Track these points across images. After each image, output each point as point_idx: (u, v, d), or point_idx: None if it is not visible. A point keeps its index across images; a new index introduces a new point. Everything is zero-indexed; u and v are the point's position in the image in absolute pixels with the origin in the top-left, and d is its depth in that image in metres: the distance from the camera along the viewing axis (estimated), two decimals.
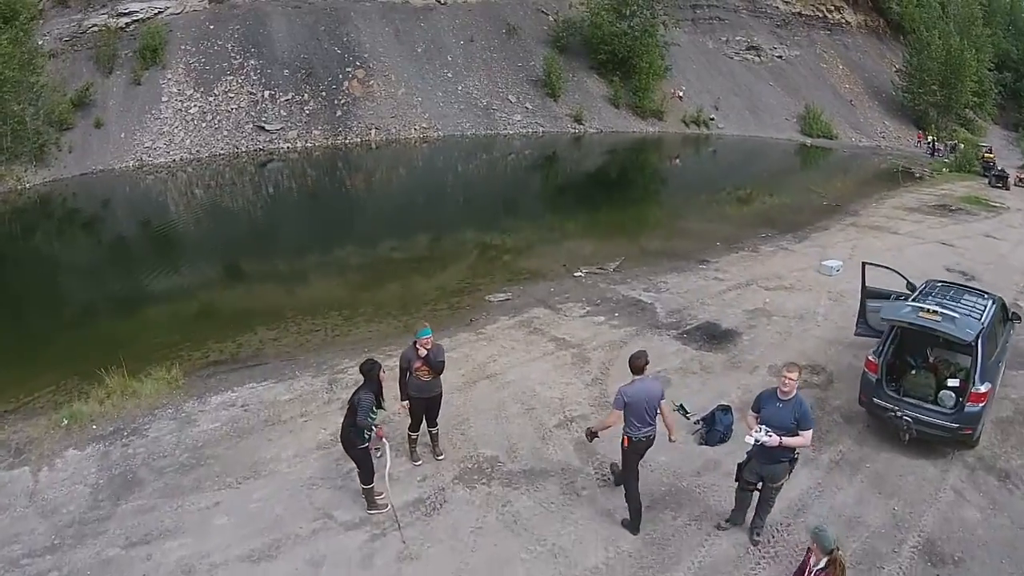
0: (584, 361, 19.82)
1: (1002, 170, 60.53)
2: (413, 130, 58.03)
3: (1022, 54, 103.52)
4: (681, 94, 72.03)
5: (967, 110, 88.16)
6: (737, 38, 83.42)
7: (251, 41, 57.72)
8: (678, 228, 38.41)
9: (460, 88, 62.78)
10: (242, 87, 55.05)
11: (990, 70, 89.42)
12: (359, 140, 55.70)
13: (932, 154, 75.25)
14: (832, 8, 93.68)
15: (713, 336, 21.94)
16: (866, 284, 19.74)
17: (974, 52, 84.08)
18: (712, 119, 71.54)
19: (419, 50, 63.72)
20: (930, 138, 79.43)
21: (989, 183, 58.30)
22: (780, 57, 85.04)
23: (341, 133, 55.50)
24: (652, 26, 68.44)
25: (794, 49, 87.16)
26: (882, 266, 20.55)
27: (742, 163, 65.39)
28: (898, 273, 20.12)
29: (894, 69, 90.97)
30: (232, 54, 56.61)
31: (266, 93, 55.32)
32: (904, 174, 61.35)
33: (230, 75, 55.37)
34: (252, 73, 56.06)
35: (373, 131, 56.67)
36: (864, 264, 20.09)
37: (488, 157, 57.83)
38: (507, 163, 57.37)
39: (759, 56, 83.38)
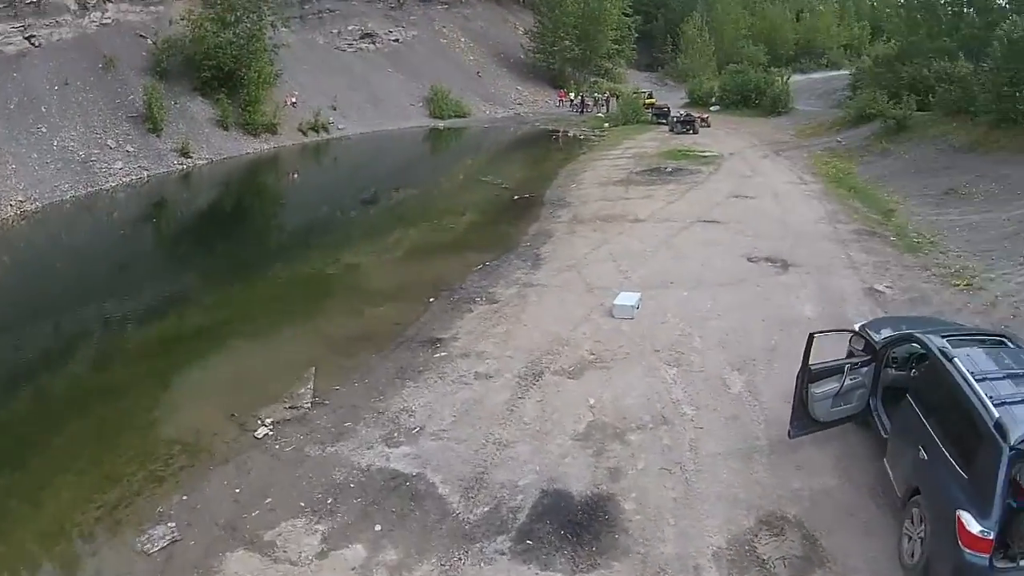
0: None
1: (688, 114, 58.09)
2: (8, 207, 42.84)
3: None
4: (294, 100, 60.81)
5: (606, 60, 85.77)
6: (350, 28, 74.18)
7: None
8: (351, 279, 26.57)
9: (56, 143, 47.53)
10: None
11: (627, 15, 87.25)
12: None
13: (582, 111, 72.21)
14: None
15: (576, 525, 11.28)
16: (809, 363, 12.50)
17: None
18: (331, 121, 61.08)
19: (12, 106, 47.99)
20: (572, 95, 76.29)
21: (672, 130, 55.83)
22: (397, 41, 77.16)
23: None
24: (259, 29, 57.13)
25: (411, 30, 79.61)
26: (837, 330, 14.68)
27: (372, 162, 56.28)
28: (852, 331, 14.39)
29: (520, 32, 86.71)
30: None
31: None
32: (565, 139, 57.85)
33: None
34: None
35: None
36: (812, 336, 12.66)
37: (87, 224, 42.21)
38: (103, 230, 41.86)
39: (375, 43, 75.06)
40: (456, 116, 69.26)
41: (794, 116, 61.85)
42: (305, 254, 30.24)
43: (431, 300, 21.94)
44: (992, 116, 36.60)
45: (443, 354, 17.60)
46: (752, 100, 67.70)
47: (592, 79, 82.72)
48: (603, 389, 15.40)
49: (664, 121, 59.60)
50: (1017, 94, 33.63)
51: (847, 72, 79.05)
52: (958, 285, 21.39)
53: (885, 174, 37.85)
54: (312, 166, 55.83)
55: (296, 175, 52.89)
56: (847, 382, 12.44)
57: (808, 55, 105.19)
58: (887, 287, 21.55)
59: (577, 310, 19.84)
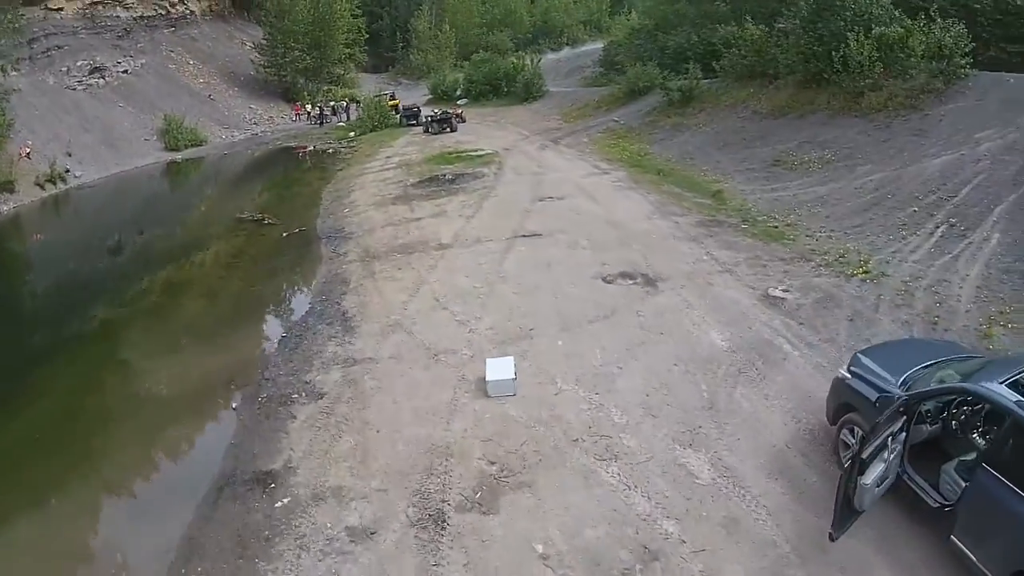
0: None
1: (443, 112, 55.29)
2: None
3: None
4: (28, 151, 52.75)
5: (337, 66, 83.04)
6: (79, 63, 66.28)
7: None
8: (123, 380, 19.91)
9: None
10: None
11: (355, 16, 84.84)
12: None
13: (321, 123, 68.90)
14: (175, 1, 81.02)
15: None
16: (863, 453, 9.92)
17: (341, 1, 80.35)
18: (67, 170, 53.59)
19: None
20: (308, 107, 72.91)
21: (428, 131, 52.87)
22: (126, 72, 69.95)
23: None
24: None
25: (140, 58, 72.76)
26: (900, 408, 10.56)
27: (115, 210, 49.09)
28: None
29: (249, 47, 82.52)
30: None
31: None
32: (312, 156, 54.24)
33: None
34: None
35: None
36: (876, 426, 10.20)
37: None
38: None
39: (104, 78, 67.39)
40: (193, 146, 63.50)
41: (551, 100, 60.09)
42: (63, 346, 23.03)
43: (234, 405, 16.51)
44: (798, 77, 35.72)
45: (286, 501, 12.48)
46: (502, 88, 65.95)
47: (325, 87, 79.95)
48: (543, 524, 11.16)
49: (416, 122, 56.65)
50: (833, 53, 32.38)
51: (591, 48, 79.62)
52: (856, 275, 19.44)
53: (689, 151, 36.18)
54: (55, 223, 48.02)
55: (40, 236, 45.00)
56: (890, 457, 10.38)
57: (547, 35, 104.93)
58: (784, 291, 19.11)
59: (436, 394, 15.31)
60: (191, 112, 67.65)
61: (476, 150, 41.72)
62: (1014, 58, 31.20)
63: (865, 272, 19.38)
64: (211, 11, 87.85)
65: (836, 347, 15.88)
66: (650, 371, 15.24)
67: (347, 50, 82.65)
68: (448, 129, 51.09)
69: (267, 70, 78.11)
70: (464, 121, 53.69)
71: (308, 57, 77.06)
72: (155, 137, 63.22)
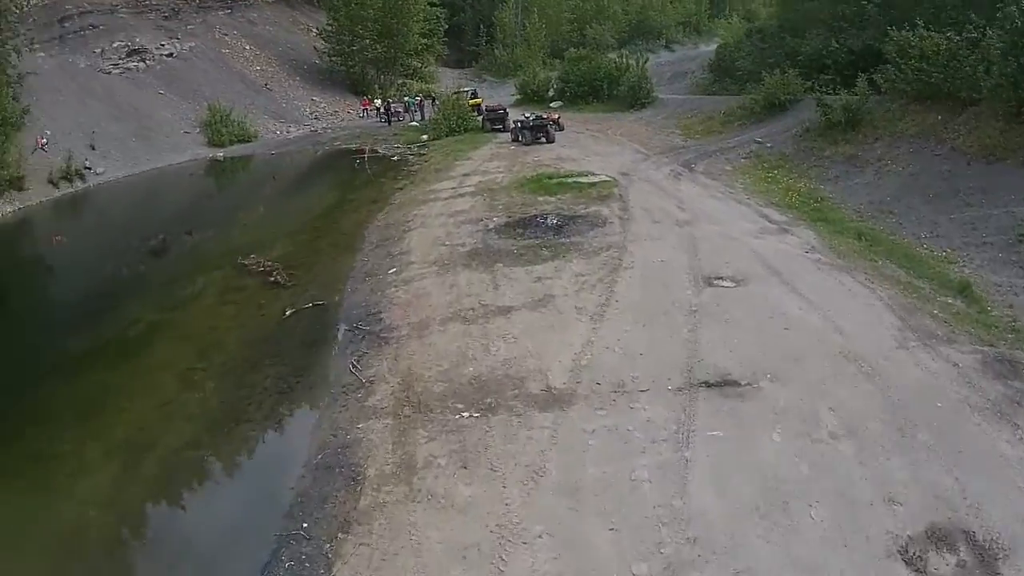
0: None
1: (538, 117, 42.28)
2: None
3: None
4: (44, 141, 43.83)
5: (413, 57, 70.88)
6: (115, 44, 57.15)
7: None
8: None
9: None
10: None
11: (434, 4, 72.23)
12: None
13: (389, 121, 57.50)
14: None
15: None
16: None
17: None
18: (87, 167, 44.51)
19: None
20: (378, 102, 60.81)
21: (518, 140, 40.96)
22: (171, 55, 60.16)
23: None
24: (2, 55, 43.35)
25: (188, 41, 62.79)
26: None
27: (138, 219, 38.76)
28: None
29: (314, 34, 71.23)
30: None
31: None
32: (372, 162, 43.75)
33: None
34: None
35: None
36: None
37: None
38: None
39: (145, 61, 57.94)
40: (240, 141, 53.61)
41: (662, 108, 47.75)
42: None
43: None
44: (1005, 106, 24.56)
45: None
46: (603, 91, 53.52)
47: (400, 81, 68.86)
48: None
49: (502, 127, 45.03)
50: None
51: (700, 51, 71.49)
52: None
53: (883, 200, 25.04)
54: (77, 227, 38.46)
55: (61, 238, 34.88)
56: None
57: (643, 36, 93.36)
58: None
59: None
60: (242, 102, 58.02)
61: (584, 173, 30.77)
62: None
63: None
64: None
65: None
66: None
67: (424, 40, 70.87)
68: (543, 139, 39.83)
69: (332, 59, 67.33)
70: (562, 129, 42.37)
71: (378, 46, 65.91)
72: (197, 130, 53.76)
